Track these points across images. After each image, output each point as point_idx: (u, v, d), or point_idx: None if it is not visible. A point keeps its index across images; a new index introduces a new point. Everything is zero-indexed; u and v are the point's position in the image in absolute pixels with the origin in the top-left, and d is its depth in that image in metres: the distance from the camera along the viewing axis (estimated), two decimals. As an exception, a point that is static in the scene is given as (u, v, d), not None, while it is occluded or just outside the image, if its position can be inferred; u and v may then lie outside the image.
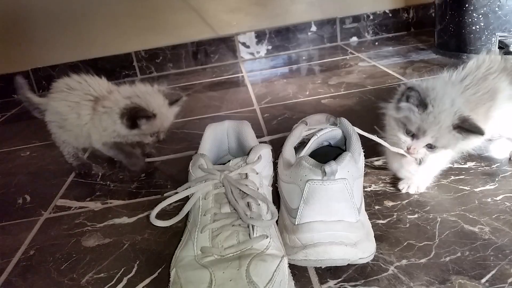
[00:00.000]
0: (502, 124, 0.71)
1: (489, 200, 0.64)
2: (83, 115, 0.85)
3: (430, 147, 0.63)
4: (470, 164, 0.74)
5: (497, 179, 0.69)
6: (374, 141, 0.67)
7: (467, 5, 1.29)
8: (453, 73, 0.70)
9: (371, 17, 1.82)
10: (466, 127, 0.60)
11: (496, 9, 1.24)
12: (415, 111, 0.62)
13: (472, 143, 0.68)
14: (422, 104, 0.61)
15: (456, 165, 0.74)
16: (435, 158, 0.68)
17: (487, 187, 0.67)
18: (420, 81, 0.65)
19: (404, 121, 0.64)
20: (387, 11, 1.81)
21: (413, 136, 0.63)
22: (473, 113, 0.65)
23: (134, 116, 0.80)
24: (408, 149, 0.64)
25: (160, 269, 0.59)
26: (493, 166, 0.73)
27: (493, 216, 0.60)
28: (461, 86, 0.67)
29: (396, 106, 0.64)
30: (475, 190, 0.67)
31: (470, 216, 0.61)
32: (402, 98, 0.63)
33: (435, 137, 0.62)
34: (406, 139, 0.64)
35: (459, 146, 0.65)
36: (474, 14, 1.28)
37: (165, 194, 0.60)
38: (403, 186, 0.69)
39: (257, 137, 0.72)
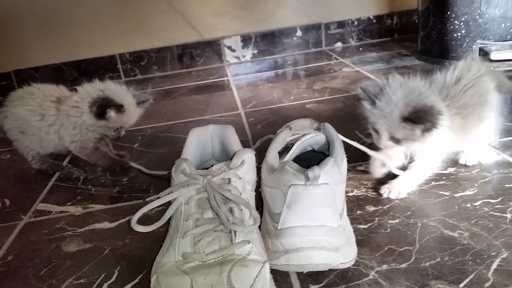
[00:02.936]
0: (487, 127, 0.73)
1: (468, 205, 0.65)
2: (47, 115, 0.87)
3: (395, 140, 0.66)
4: (450, 169, 0.75)
5: (476, 185, 0.70)
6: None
7: (449, 13, 1.32)
8: (446, 74, 0.71)
9: (356, 23, 1.84)
10: (412, 119, 0.61)
11: (477, 17, 1.27)
12: (367, 108, 0.66)
13: (437, 138, 0.66)
14: (371, 101, 0.65)
15: (436, 171, 0.75)
16: (420, 166, 0.70)
17: (467, 192, 0.68)
18: (383, 79, 0.67)
19: (367, 118, 0.68)
20: (371, 17, 1.84)
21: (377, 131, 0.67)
22: (471, 116, 0.68)
23: (106, 105, 0.82)
24: (378, 143, 0.68)
25: (141, 275, 0.58)
26: (472, 172, 0.74)
27: (472, 221, 0.61)
28: (458, 87, 0.68)
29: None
30: (455, 195, 0.68)
31: (450, 221, 0.62)
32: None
33: (388, 130, 0.65)
34: (374, 135, 0.69)
35: (425, 140, 0.65)
36: (456, 22, 1.31)
37: (147, 199, 0.59)
38: (384, 191, 0.70)
39: (241, 141, 0.72)
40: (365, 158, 0.78)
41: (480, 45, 1.29)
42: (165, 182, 0.84)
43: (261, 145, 0.83)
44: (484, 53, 1.27)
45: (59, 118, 0.86)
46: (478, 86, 0.69)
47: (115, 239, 0.67)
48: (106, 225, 0.72)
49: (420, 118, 0.61)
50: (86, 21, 1.70)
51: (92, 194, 0.84)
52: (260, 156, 0.69)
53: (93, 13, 1.69)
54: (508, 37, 1.27)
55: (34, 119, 0.87)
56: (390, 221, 0.63)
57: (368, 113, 0.66)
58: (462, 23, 1.30)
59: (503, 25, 1.26)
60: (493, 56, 1.23)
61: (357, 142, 0.70)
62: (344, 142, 0.66)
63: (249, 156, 0.63)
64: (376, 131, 0.67)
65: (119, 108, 0.83)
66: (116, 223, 0.72)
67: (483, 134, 0.74)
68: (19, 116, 0.88)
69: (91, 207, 0.79)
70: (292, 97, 1.27)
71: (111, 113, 0.83)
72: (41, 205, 0.82)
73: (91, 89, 0.85)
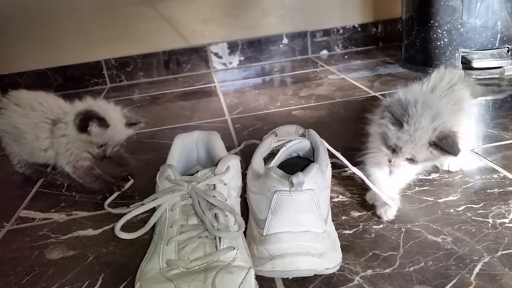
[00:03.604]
0: (464, 135, 0.74)
1: (451, 210, 0.66)
2: (41, 138, 0.83)
3: (411, 160, 0.64)
4: (434, 175, 0.76)
5: (459, 190, 0.71)
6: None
7: (432, 21, 1.34)
8: (422, 85, 0.71)
9: (341, 31, 1.86)
10: (441, 146, 0.61)
11: (459, 26, 1.29)
12: (391, 129, 0.63)
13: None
14: (398, 123, 0.62)
15: (420, 176, 0.75)
16: (401, 172, 0.70)
17: (450, 198, 0.69)
18: (403, 95, 0.65)
19: (384, 136, 0.65)
20: (356, 26, 1.86)
21: (393, 150, 0.65)
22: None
23: (88, 117, 0.78)
24: (389, 161, 0.65)
25: (125, 283, 0.57)
26: (455, 177, 0.75)
27: (455, 226, 0.62)
28: (434, 96, 0.68)
29: (378, 122, 0.66)
30: (439, 201, 0.69)
31: (434, 226, 0.62)
32: (383, 116, 0.64)
33: (412, 154, 0.63)
34: (387, 152, 0.66)
35: (441, 159, 0.66)
36: (439, 30, 1.33)
37: (131, 206, 0.59)
38: (380, 212, 0.67)
39: (228, 147, 0.72)
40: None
41: (462, 54, 1.32)
42: (150, 189, 0.83)
43: (247, 151, 0.84)
44: (466, 61, 1.30)
45: (52, 142, 0.83)
46: (452, 95, 0.70)
47: (99, 246, 0.67)
48: (90, 232, 0.71)
49: (449, 145, 0.60)
50: (71, 26, 1.69)
51: (76, 201, 0.83)
52: (246, 162, 0.69)
53: (78, 19, 1.68)
54: (489, 46, 1.30)
55: (30, 136, 0.84)
56: (374, 227, 0.64)
57: (392, 135, 0.63)
58: (444, 32, 1.32)
59: (484, 34, 1.28)
60: (475, 64, 1.26)
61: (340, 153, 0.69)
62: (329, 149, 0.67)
63: (234, 162, 0.63)
64: (393, 150, 0.65)
65: (102, 121, 0.79)
66: (100, 230, 0.71)
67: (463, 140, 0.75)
68: (18, 126, 0.84)
69: (75, 214, 0.78)
70: (279, 104, 1.28)
71: (93, 126, 0.79)
72: (24, 212, 0.81)
73: (79, 105, 0.82)
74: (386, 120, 0.63)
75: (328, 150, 0.67)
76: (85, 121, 0.78)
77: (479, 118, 0.94)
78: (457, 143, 0.61)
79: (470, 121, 0.74)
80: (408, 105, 0.62)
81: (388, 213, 0.66)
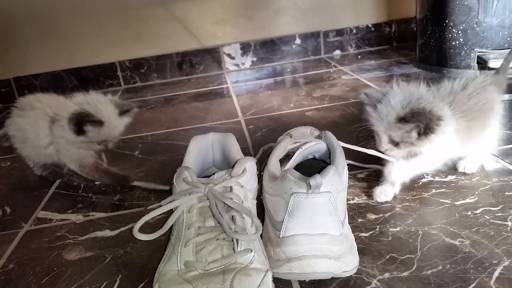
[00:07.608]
0: (490, 135, 0.74)
1: (469, 213, 0.65)
2: (42, 136, 0.85)
3: (394, 143, 0.68)
4: (450, 177, 0.75)
5: (476, 193, 0.70)
6: (357, 154, 0.69)
7: (447, 21, 1.33)
8: (454, 81, 0.72)
9: (354, 31, 1.85)
10: (405, 117, 0.63)
11: (475, 25, 1.28)
12: (369, 111, 0.69)
13: (438, 143, 0.67)
14: (373, 105, 0.67)
15: (437, 179, 0.75)
16: (418, 159, 0.71)
17: (467, 200, 0.69)
18: (387, 86, 0.70)
19: (369, 122, 0.70)
20: (370, 25, 1.85)
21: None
22: (475, 121, 0.69)
23: (81, 121, 0.80)
24: (379, 147, 0.70)
25: (143, 284, 0.58)
26: (472, 179, 0.74)
27: (473, 229, 0.61)
28: (464, 94, 0.70)
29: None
30: (456, 203, 0.68)
31: (451, 229, 0.62)
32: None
33: (385, 132, 0.67)
34: (376, 138, 0.71)
35: (422, 143, 0.66)
36: (454, 30, 1.32)
37: (148, 207, 0.59)
38: (376, 195, 0.71)
39: (242, 149, 0.72)
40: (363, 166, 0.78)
41: (478, 53, 1.30)
42: (166, 190, 0.84)
43: (262, 153, 0.84)
44: (482, 61, 1.28)
45: (52, 140, 0.85)
46: (484, 95, 0.71)
47: (116, 247, 0.67)
48: (107, 233, 0.72)
49: (413, 117, 0.63)
50: (86, 28, 1.71)
51: (93, 202, 0.84)
52: (261, 164, 0.69)
53: (93, 21, 1.70)
54: (506, 45, 1.28)
55: (31, 136, 0.86)
56: (391, 229, 0.63)
57: (369, 117, 0.69)
58: (460, 32, 1.31)
59: (500, 33, 1.27)
60: (491, 64, 1.24)
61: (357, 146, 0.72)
62: (345, 150, 0.67)
63: (250, 164, 0.63)
64: (378, 135, 0.70)
65: (96, 123, 0.80)
66: (117, 231, 0.72)
67: (486, 141, 0.75)
68: (20, 127, 0.88)
69: (92, 215, 0.79)
70: (292, 105, 1.27)
71: (89, 128, 0.81)
72: (42, 213, 0.82)
73: (70, 103, 0.83)
74: (365, 102, 0.69)
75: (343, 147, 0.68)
76: (79, 125, 0.80)
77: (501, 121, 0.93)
78: (426, 117, 0.63)
79: (498, 122, 0.74)
80: (388, 91, 0.67)
81: (382, 196, 0.70)
